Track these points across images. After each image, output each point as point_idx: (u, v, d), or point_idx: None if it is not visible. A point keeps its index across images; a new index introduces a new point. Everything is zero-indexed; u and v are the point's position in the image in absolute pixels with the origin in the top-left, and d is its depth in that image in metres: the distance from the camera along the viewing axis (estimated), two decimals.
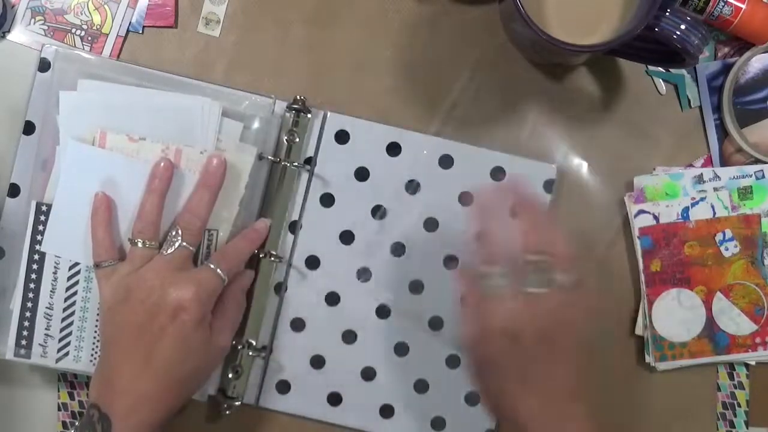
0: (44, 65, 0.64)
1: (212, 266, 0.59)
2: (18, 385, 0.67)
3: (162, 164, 0.60)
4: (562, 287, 0.53)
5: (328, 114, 0.66)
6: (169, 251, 0.58)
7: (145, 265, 0.58)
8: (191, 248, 0.59)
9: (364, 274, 0.66)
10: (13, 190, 0.64)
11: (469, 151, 0.66)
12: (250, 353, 0.65)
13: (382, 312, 0.66)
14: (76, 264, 0.63)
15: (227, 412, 0.65)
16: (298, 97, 0.65)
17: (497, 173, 0.66)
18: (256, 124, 0.64)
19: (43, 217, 0.62)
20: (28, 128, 0.64)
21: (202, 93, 0.64)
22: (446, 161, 0.66)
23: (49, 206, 0.62)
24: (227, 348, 0.61)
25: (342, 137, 0.66)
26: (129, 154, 0.62)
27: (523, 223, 0.54)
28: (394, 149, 0.66)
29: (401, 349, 0.67)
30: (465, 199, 0.66)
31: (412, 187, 0.66)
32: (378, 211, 0.66)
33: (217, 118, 0.62)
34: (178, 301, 0.56)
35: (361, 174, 0.66)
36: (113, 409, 0.55)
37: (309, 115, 0.65)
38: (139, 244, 0.59)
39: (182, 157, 0.62)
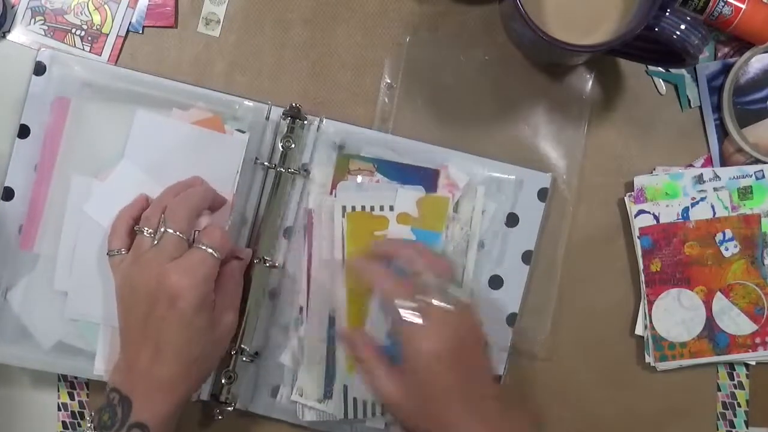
0: (40, 69, 0.64)
1: (202, 247, 0.58)
2: (18, 386, 0.67)
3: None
4: (460, 305, 0.57)
5: (324, 121, 0.65)
6: (157, 240, 0.58)
7: (143, 255, 0.58)
8: (179, 234, 0.58)
9: None
10: (7, 194, 0.64)
11: (464, 158, 0.65)
12: (244, 359, 0.64)
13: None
14: None
15: (219, 417, 0.65)
16: (293, 104, 0.64)
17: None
18: (251, 129, 0.64)
19: None
20: (23, 131, 0.64)
21: (198, 98, 0.64)
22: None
23: None
24: (233, 325, 0.61)
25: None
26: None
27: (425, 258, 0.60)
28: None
29: None
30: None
31: None
32: None
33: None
34: (174, 289, 0.56)
35: None
36: (133, 392, 0.56)
37: (305, 122, 0.65)
38: (146, 233, 0.59)
39: None
